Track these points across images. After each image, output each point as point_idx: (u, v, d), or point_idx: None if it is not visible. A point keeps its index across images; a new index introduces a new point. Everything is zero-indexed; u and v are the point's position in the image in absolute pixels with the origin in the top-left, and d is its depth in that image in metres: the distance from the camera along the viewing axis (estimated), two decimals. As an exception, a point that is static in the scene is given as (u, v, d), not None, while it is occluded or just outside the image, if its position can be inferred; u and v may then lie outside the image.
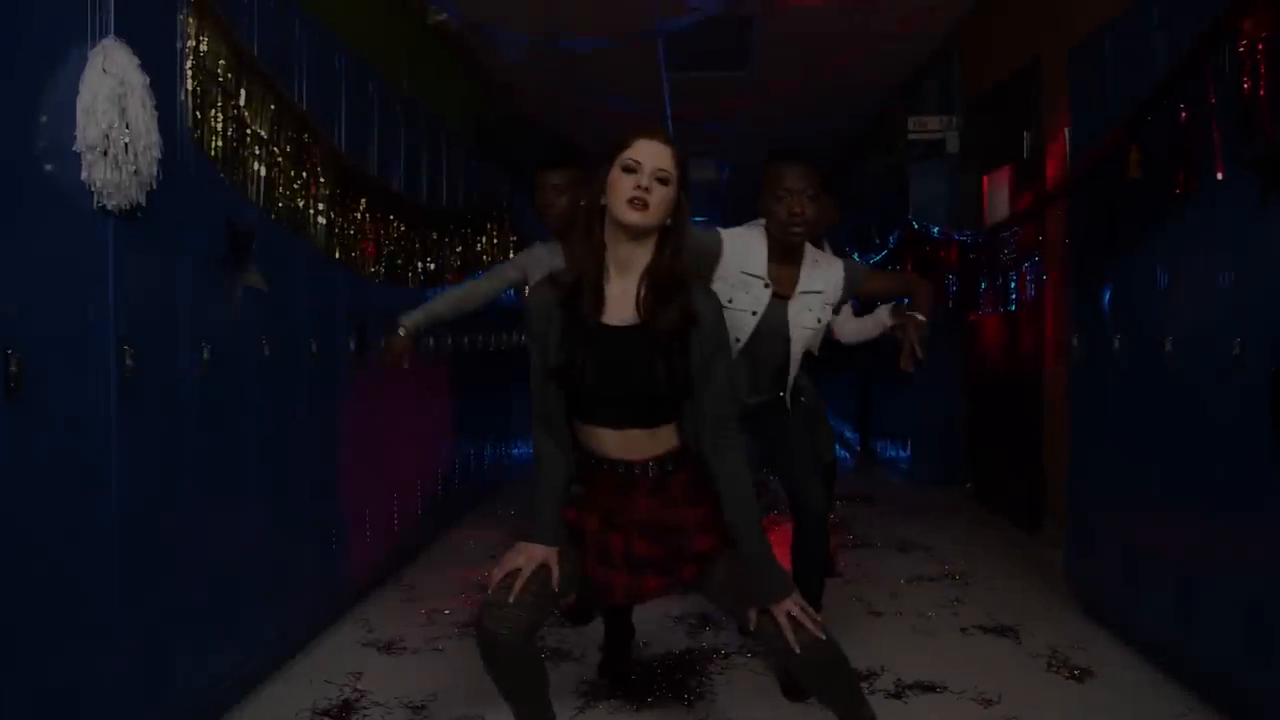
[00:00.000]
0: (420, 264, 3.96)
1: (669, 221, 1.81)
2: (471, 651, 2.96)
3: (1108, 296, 2.98)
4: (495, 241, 5.37)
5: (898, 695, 2.58)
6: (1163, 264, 2.65)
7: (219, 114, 2.29)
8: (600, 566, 1.88)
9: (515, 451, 6.03)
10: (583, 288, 1.81)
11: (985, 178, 5.22)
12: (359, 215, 3.22)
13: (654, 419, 1.83)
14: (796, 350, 2.55)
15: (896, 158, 6.57)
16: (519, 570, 1.82)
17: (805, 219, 2.42)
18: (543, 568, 1.84)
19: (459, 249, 4.58)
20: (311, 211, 2.86)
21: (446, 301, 2.83)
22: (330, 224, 2.99)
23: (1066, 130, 3.38)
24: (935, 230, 5.37)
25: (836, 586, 3.45)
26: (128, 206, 1.91)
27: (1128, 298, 2.87)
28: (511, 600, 1.79)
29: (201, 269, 2.27)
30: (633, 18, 4.97)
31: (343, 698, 2.57)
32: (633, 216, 1.75)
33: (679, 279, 1.81)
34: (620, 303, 1.81)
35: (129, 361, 1.95)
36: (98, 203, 1.87)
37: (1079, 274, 3.25)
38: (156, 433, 2.09)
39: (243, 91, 2.41)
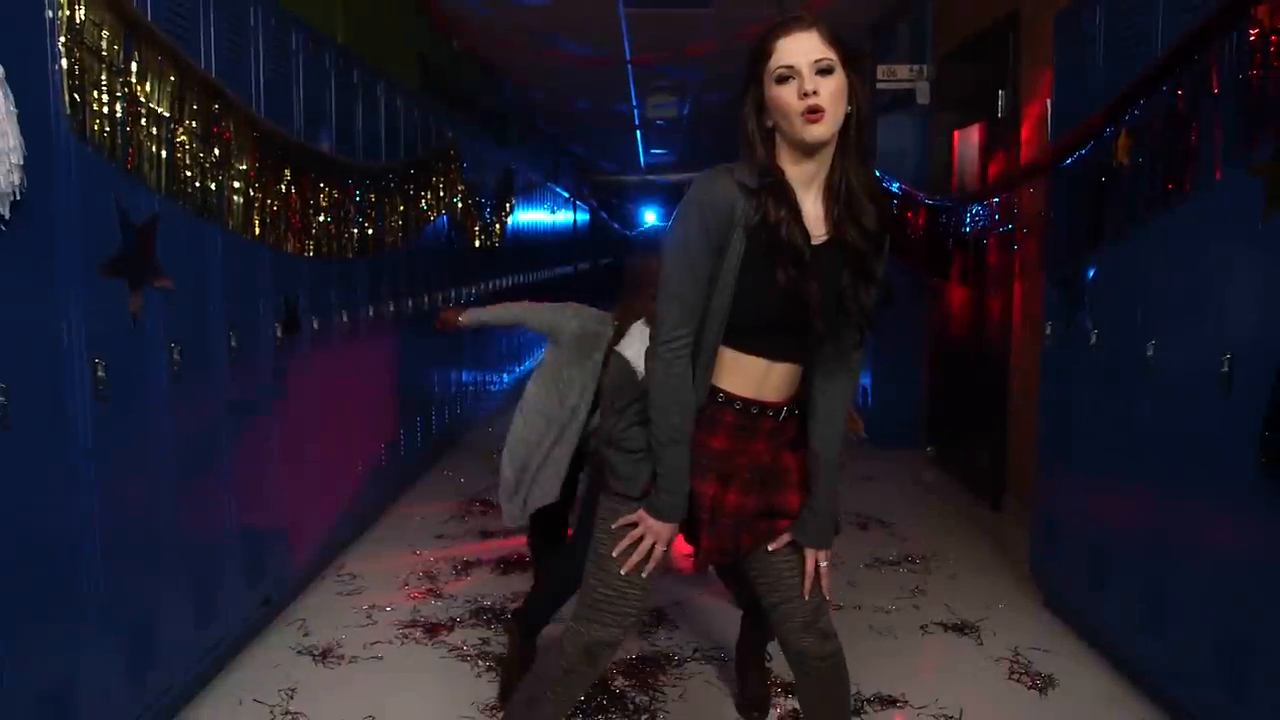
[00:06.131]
0: (356, 230, 3.67)
1: (849, 108, 1.53)
2: (410, 660, 2.88)
3: (1087, 286, 2.81)
4: (443, 195, 5.07)
5: (857, 712, 2.47)
6: (1151, 262, 2.48)
7: (104, 94, 1.99)
8: (710, 533, 1.66)
9: (460, 411, 5.82)
10: (767, 197, 1.52)
11: (956, 133, 5.00)
12: (283, 187, 2.92)
13: (808, 353, 1.62)
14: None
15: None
16: (650, 552, 1.63)
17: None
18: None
19: (400, 208, 4.28)
20: (227, 190, 2.57)
21: (504, 316, 2.92)
22: (249, 201, 2.70)
23: (1049, 100, 3.16)
24: (896, 186, 5.14)
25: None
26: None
27: (1110, 291, 2.71)
28: (639, 592, 1.65)
29: (90, 276, 2.00)
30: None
31: (273, 723, 2.42)
32: (814, 131, 1.49)
33: (870, 180, 1.58)
34: (811, 218, 1.57)
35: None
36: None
37: (1055, 256, 3.07)
38: (44, 485, 1.86)
39: (134, 64, 2.10)
